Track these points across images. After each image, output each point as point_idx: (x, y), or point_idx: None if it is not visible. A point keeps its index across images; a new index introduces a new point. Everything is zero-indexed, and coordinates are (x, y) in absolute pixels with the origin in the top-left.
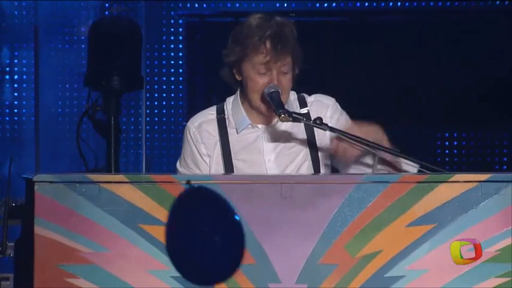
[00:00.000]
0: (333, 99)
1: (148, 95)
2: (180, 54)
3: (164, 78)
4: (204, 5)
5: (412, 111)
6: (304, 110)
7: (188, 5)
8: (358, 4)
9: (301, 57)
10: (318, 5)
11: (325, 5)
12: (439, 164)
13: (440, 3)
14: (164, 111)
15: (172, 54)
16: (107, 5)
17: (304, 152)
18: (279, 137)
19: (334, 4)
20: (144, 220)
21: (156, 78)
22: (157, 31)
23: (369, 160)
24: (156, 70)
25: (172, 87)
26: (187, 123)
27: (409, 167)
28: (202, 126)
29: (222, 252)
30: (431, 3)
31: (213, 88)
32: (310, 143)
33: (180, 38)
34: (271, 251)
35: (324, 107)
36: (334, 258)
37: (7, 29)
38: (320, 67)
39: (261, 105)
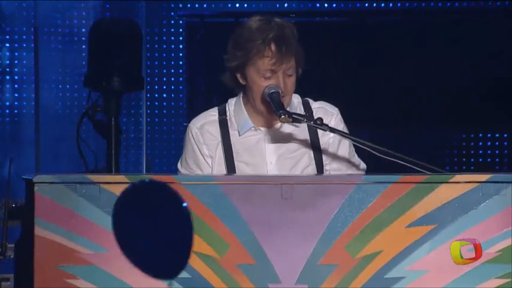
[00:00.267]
0: (337, 109)
1: (148, 95)
2: (181, 54)
3: (164, 79)
4: (205, 6)
5: (412, 111)
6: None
7: (188, 6)
8: (358, 5)
9: (304, 58)
10: (318, 5)
11: (326, 5)
12: (439, 164)
13: (440, 4)
14: (164, 111)
15: (172, 54)
16: (107, 5)
17: (308, 155)
18: (281, 140)
19: (334, 5)
20: None
21: (156, 79)
22: (158, 31)
23: None
24: (156, 70)
25: (173, 87)
26: (189, 124)
27: None
28: (204, 127)
29: (173, 241)
30: (431, 4)
31: (213, 88)
32: (314, 146)
33: (181, 38)
34: (271, 251)
35: (328, 114)
36: (334, 258)
37: (7, 29)
38: (320, 68)
39: (261, 107)
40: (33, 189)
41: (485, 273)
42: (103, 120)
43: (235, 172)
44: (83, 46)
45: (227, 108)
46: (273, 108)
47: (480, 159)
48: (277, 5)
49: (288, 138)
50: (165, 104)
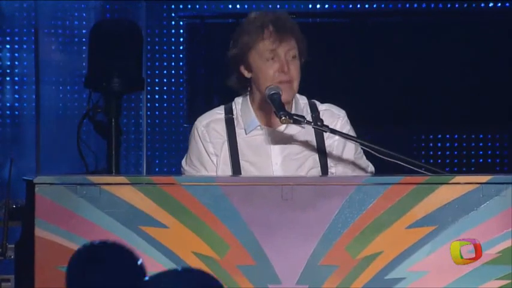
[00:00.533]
0: (344, 112)
1: (149, 96)
2: (181, 55)
3: (165, 80)
4: (205, 6)
5: (412, 112)
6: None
7: (189, 6)
8: (358, 6)
9: (306, 45)
10: (318, 6)
11: (326, 6)
12: (439, 165)
13: (440, 5)
14: (165, 112)
15: (173, 55)
16: (107, 6)
17: (313, 157)
18: (287, 141)
19: (334, 6)
20: (145, 222)
21: (156, 80)
22: (158, 32)
23: None
24: (156, 71)
25: (173, 88)
26: (195, 122)
27: None
28: (210, 125)
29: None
30: (432, 5)
31: (213, 89)
32: (320, 148)
33: (181, 39)
34: (272, 252)
35: (335, 117)
36: (334, 259)
37: (8, 30)
38: (320, 68)
39: (262, 106)
40: (34, 190)
41: (486, 274)
42: (103, 121)
43: (240, 171)
44: (84, 47)
45: (234, 107)
46: (273, 109)
47: (480, 160)
48: (278, 6)
49: (294, 139)
50: (165, 105)
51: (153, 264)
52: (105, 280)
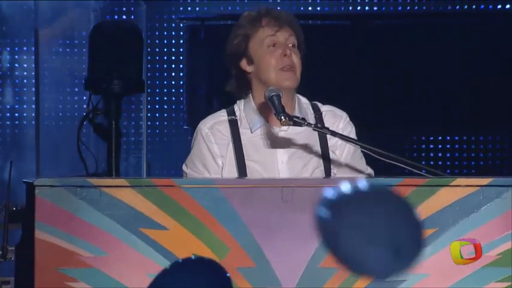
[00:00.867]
0: (345, 113)
1: (149, 98)
2: (181, 57)
3: (165, 82)
4: (205, 8)
5: (413, 114)
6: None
7: (189, 9)
8: (358, 8)
9: (303, 38)
10: (319, 8)
11: (326, 8)
12: (440, 167)
13: (440, 7)
14: (165, 115)
15: (173, 57)
16: (107, 8)
17: (317, 157)
18: (292, 140)
19: (335, 8)
20: (145, 224)
21: (157, 82)
22: (158, 35)
23: None
24: (157, 74)
25: (173, 90)
26: (199, 125)
27: None
28: (214, 127)
29: None
30: (432, 7)
31: (214, 92)
32: (323, 148)
33: (181, 41)
34: (272, 254)
35: (337, 118)
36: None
37: (8, 32)
38: (320, 70)
39: (266, 103)
40: (34, 193)
41: (486, 277)
42: (103, 123)
43: (245, 171)
44: (84, 49)
45: (236, 109)
46: (273, 111)
47: (481, 162)
48: (278, 8)
49: (298, 138)
50: (165, 107)
51: (153, 266)
52: None
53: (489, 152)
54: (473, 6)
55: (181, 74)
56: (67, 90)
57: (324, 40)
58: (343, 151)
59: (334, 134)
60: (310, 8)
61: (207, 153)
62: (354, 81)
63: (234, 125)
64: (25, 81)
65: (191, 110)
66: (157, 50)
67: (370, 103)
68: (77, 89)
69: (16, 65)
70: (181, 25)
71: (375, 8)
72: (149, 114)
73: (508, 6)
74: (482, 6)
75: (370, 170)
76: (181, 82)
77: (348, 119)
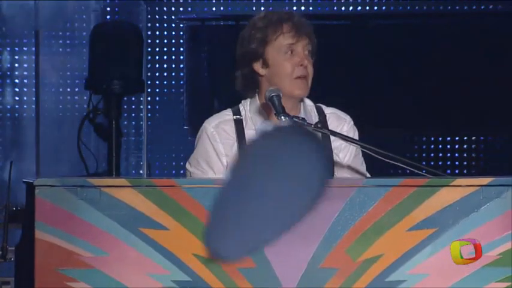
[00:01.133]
0: (349, 116)
1: (149, 98)
2: (181, 58)
3: (165, 82)
4: (205, 9)
5: (413, 114)
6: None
7: (189, 9)
8: (359, 8)
9: (316, 46)
10: (319, 8)
11: (327, 8)
12: (440, 167)
13: (440, 7)
14: (165, 114)
15: (173, 57)
16: (108, 8)
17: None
18: None
19: (335, 8)
20: (145, 224)
21: (157, 82)
22: (159, 35)
23: None
24: (157, 74)
25: (173, 90)
26: (204, 124)
27: None
28: (220, 126)
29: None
30: (432, 7)
31: (214, 91)
32: (327, 151)
33: (181, 41)
34: (272, 255)
35: (341, 120)
36: (335, 262)
37: (8, 32)
38: (320, 71)
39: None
40: (34, 193)
41: (486, 277)
42: (104, 123)
43: None
44: (84, 49)
45: (241, 109)
46: (273, 111)
47: (481, 162)
48: (278, 9)
49: None
50: (165, 107)
51: (153, 266)
52: None
53: (489, 152)
54: (474, 7)
55: (181, 74)
56: (67, 90)
57: (324, 40)
58: (346, 154)
59: (334, 134)
60: (311, 8)
61: (211, 152)
62: (353, 81)
63: (239, 124)
64: (25, 81)
65: (191, 110)
66: (157, 50)
67: (370, 103)
68: (77, 89)
69: (16, 65)
70: (181, 25)
71: (375, 8)
72: (149, 114)
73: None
74: (482, 6)
75: (369, 176)
76: (181, 82)
77: (352, 122)
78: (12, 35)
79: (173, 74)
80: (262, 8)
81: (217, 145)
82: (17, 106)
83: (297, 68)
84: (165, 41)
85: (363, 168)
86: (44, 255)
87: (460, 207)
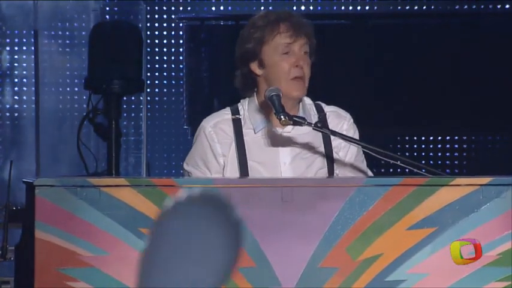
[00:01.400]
0: (349, 114)
1: (149, 98)
2: (181, 57)
3: (165, 82)
4: (205, 9)
5: (413, 114)
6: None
7: (189, 9)
8: (359, 8)
9: (315, 46)
10: (319, 8)
11: (327, 8)
12: (440, 167)
13: (440, 7)
14: (165, 114)
15: (172, 57)
16: (107, 8)
17: (321, 158)
18: (296, 141)
19: (335, 7)
20: (145, 224)
21: (156, 82)
22: (158, 34)
23: None
24: (156, 73)
25: (173, 90)
26: (202, 123)
27: None
28: (218, 126)
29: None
30: (432, 7)
31: (213, 91)
32: (327, 150)
33: (181, 41)
34: (272, 254)
35: (341, 118)
36: (334, 261)
37: (7, 32)
38: (320, 70)
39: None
40: (34, 192)
41: (486, 276)
42: (103, 123)
43: (247, 171)
44: (83, 49)
45: (240, 108)
46: (273, 110)
47: (481, 162)
48: (278, 8)
49: (302, 139)
50: (165, 106)
51: None
52: None
53: (489, 151)
54: (474, 6)
55: (181, 74)
56: (67, 90)
57: (324, 40)
58: (346, 152)
59: (334, 133)
60: (311, 8)
61: (209, 152)
62: (353, 81)
63: (237, 124)
64: (25, 81)
65: (191, 110)
66: (157, 50)
67: (370, 103)
68: (77, 89)
69: (16, 64)
70: (181, 25)
71: (375, 8)
72: (149, 114)
73: (507, 6)
74: (482, 6)
75: (370, 174)
76: (180, 82)
77: (352, 120)
78: (12, 34)
79: (173, 74)
80: (262, 8)
81: (214, 145)
82: (16, 106)
83: (294, 68)
84: (165, 40)
85: (364, 165)
86: (44, 254)
87: (459, 206)
